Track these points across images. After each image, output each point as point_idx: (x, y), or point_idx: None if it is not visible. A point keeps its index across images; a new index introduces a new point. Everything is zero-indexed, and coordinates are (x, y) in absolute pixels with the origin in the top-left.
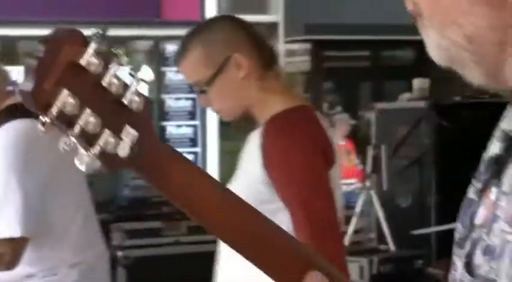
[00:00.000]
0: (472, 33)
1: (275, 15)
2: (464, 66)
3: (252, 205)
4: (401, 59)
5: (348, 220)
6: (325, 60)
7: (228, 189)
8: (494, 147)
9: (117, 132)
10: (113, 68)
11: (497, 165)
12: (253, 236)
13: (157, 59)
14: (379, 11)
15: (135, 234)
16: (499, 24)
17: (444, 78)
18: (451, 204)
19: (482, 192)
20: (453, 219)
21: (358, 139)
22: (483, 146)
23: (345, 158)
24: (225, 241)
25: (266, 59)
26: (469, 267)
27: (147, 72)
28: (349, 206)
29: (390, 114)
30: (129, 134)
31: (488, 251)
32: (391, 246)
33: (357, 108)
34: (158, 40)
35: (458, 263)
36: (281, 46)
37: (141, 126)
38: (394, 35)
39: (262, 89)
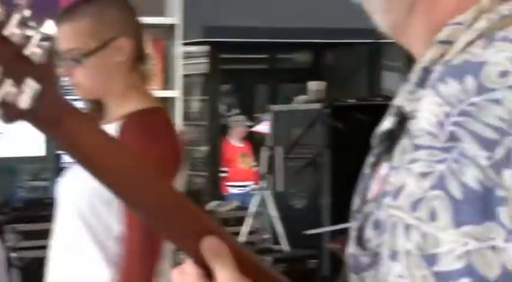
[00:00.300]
0: None
1: (173, 17)
2: (375, 11)
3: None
4: (298, 62)
5: (242, 221)
6: (223, 63)
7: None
8: (387, 122)
9: (19, 84)
10: (15, 18)
11: (389, 141)
12: (159, 195)
13: None
14: (276, 14)
15: (30, 235)
16: None
17: (339, 81)
18: (344, 204)
19: (374, 166)
20: (346, 219)
21: (255, 141)
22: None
23: (242, 160)
24: (127, 202)
25: (142, 53)
26: (360, 240)
27: (49, 26)
28: (244, 207)
29: (286, 116)
30: (31, 86)
31: (377, 225)
32: (285, 247)
33: (253, 111)
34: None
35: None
36: (179, 48)
37: (43, 79)
38: (291, 38)
39: (127, 83)
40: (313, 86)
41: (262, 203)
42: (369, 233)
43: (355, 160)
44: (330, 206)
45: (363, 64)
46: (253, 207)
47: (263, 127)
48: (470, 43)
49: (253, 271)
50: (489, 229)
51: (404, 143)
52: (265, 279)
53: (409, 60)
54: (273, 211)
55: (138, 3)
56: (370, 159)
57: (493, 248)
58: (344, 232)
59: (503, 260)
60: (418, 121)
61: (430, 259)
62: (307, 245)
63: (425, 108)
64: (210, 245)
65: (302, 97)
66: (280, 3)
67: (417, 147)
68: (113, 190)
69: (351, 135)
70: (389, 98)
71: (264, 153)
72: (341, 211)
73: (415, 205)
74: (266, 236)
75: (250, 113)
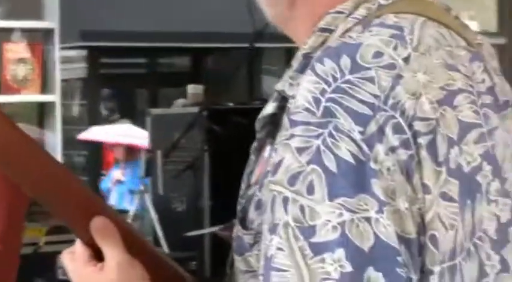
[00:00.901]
0: None
1: (51, 21)
2: (262, 4)
3: None
4: (178, 66)
5: None
6: (102, 67)
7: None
8: (269, 107)
9: None
10: None
11: (272, 125)
12: (48, 174)
13: None
14: (155, 18)
15: None
16: None
17: (219, 85)
18: (223, 207)
19: (258, 151)
20: (226, 221)
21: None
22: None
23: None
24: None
25: None
26: (243, 222)
27: None
28: (124, 210)
29: (165, 120)
30: None
31: (259, 205)
32: (166, 249)
33: (134, 115)
34: None
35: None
36: (57, 53)
37: None
38: (170, 42)
39: None
40: (192, 89)
41: (143, 206)
42: (252, 213)
43: (234, 163)
44: (209, 209)
45: (242, 68)
46: (132, 210)
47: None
48: (348, 30)
49: (142, 252)
50: (363, 201)
51: (283, 120)
52: (153, 261)
53: (288, 64)
54: (153, 214)
55: (15, 7)
56: (254, 144)
57: (367, 218)
58: (219, 257)
59: (376, 230)
60: (296, 99)
61: (307, 231)
62: (187, 247)
63: (303, 86)
64: (98, 225)
65: (181, 101)
66: (159, 8)
67: (294, 123)
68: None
69: (230, 138)
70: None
71: (143, 157)
72: (220, 213)
73: (293, 179)
74: (146, 239)
75: (131, 117)
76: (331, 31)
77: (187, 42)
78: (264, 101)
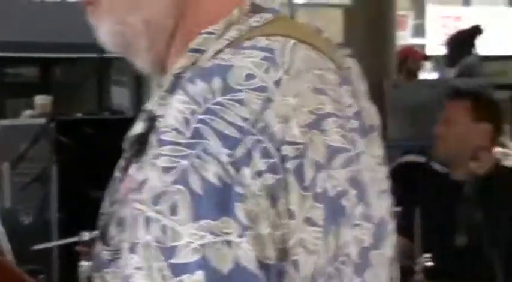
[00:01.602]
0: (151, 18)
1: None
2: (137, 53)
3: None
4: (26, 76)
5: None
6: None
7: None
8: (138, 127)
9: None
10: None
11: (139, 144)
12: None
13: None
14: (3, 28)
15: None
16: (173, 11)
17: (68, 96)
18: (72, 219)
19: (124, 170)
20: (75, 233)
21: None
22: (104, 161)
23: None
24: None
25: None
26: (104, 239)
27: None
28: None
29: (11, 131)
30: None
31: (121, 222)
32: (14, 262)
33: None
34: None
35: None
36: None
37: None
38: (17, 52)
39: None
40: (39, 100)
41: None
42: (113, 230)
43: (83, 174)
44: (57, 221)
45: (91, 78)
46: None
47: None
48: (220, 51)
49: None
50: (225, 224)
51: (151, 139)
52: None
53: (137, 76)
54: (0, 227)
55: None
56: (121, 163)
57: (228, 242)
58: (68, 269)
59: (236, 255)
60: (166, 119)
61: (168, 252)
62: (35, 260)
63: (173, 106)
64: None
65: (29, 112)
66: (5, 17)
67: (162, 143)
68: None
69: (79, 149)
70: (117, 112)
71: None
72: (69, 225)
73: (157, 199)
74: None
75: None
76: (202, 52)
77: (35, 52)
78: (114, 112)
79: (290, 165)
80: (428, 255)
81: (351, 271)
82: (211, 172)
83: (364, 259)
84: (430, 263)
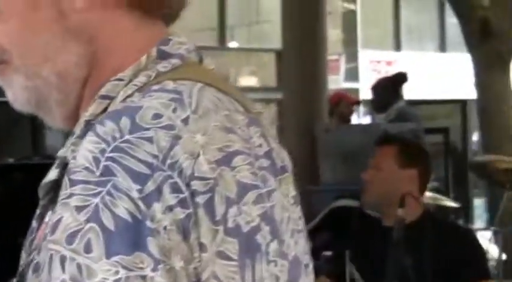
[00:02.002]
0: (63, 70)
1: None
2: (50, 108)
3: None
4: None
5: None
6: None
7: None
8: (52, 174)
9: None
10: None
11: (54, 191)
12: None
13: None
14: None
15: None
16: (85, 62)
17: None
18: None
19: (41, 218)
20: (3, 281)
21: None
22: (34, 207)
23: None
24: None
25: None
26: None
27: None
28: None
29: None
30: None
31: (37, 268)
32: None
33: None
34: None
35: None
36: None
37: None
38: None
39: None
40: None
41: None
42: (29, 277)
43: (13, 220)
44: None
45: (24, 121)
46: None
47: None
48: (129, 96)
49: None
50: (139, 259)
51: (63, 181)
52: None
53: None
54: None
55: None
56: (37, 211)
57: (142, 277)
58: None
59: None
60: (76, 159)
61: None
62: None
63: (84, 146)
64: None
65: None
66: None
67: (73, 182)
68: None
69: (8, 195)
70: (49, 156)
71: None
72: None
73: (71, 238)
74: None
75: None
76: (111, 98)
77: None
78: (45, 156)
79: (200, 199)
80: None
81: None
82: (122, 208)
83: None
84: None
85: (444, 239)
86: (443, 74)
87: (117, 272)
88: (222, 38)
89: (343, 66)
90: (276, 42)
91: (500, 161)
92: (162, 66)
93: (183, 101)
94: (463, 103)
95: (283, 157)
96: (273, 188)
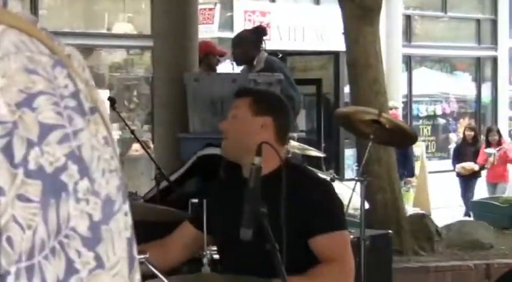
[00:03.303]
0: None
1: None
2: None
3: None
4: None
5: None
6: None
7: None
8: None
9: None
10: None
11: None
12: None
13: None
14: None
15: None
16: None
17: None
18: None
19: None
20: None
21: None
22: None
23: None
24: None
25: None
26: None
27: None
28: None
29: None
30: None
31: None
32: None
33: None
34: None
35: None
36: None
37: None
38: None
39: None
40: None
41: None
42: None
43: None
44: None
45: None
46: None
47: None
48: None
49: None
50: None
51: None
52: None
53: None
54: None
55: None
56: None
57: None
58: None
59: None
60: None
61: None
62: None
63: None
64: None
65: None
66: None
67: None
68: None
69: None
70: None
71: None
72: None
73: None
74: None
75: None
76: None
77: None
78: None
79: None
80: (215, 247)
81: (80, 245)
82: None
83: (95, 233)
84: (216, 256)
85: (301, 190)
86: (317, 26)
87: None
88: None
89: (217, 15)
90: None
91: (364, 112)
92: None
93: None
94: (336, 55)
95: (95, 99)
96: (80, 127)
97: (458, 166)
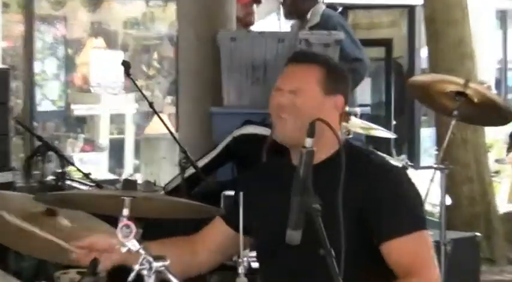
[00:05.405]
0: None
1: None
2: None
3: None
4: None
5: None
6: None
7: None
8: None
9: None
10: None
11: None
12: None
13: None
14: None
15: None
16: None
17: None
18: None
19: None
20: None
21: None
22: None
23: None
24: None
25: None
26: None
27: None
28: None
29: None
30: None
31: None
32: None
33: None
34: None
35: None
36: None
37: None
38: None
39: None
40: None
41: None
42: None
43: None
44: None
45: None
46: None
47: None
48: None
49: None
50: None
51: None
52: None
53: None
54: None
55: None
56: None
57: None
58: None
59: None
60: None
61: None
62: None
63: None
64: None
65: None
66: None
67: None
68: None
69: None
70: None
71: None
72: None
73: None
74: None
75: None
76: None
77: None
78: None
79: None
80: (253, 253)
81: None
82: None
83: None
84: (255, 264)
85: (365, 181)
86: None
87: None
88: None
89: None
90: None
91: (446, 81)
92: None
93: None
94: (410, 9)
95: None
96: None
97: None
